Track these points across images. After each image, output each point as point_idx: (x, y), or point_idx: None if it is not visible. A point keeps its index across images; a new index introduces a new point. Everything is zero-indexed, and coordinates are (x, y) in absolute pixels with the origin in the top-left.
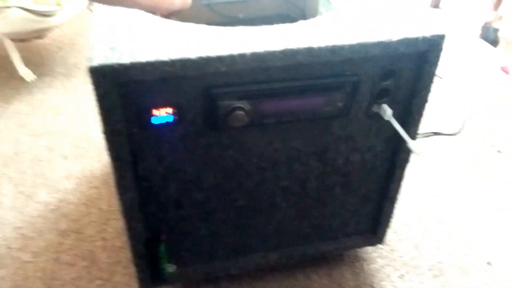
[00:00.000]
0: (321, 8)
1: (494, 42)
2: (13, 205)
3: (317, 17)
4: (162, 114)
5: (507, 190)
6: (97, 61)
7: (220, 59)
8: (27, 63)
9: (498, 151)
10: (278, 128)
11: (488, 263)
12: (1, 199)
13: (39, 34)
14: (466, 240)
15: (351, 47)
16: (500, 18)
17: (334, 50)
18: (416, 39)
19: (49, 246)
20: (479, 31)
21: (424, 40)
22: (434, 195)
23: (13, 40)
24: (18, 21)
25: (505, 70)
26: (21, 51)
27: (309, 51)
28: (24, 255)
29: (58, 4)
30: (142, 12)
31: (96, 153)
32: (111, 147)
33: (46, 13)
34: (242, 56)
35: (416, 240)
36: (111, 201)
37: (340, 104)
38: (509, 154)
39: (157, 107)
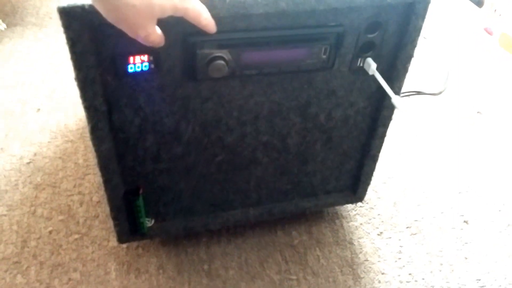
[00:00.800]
0: None
1: (479, 3)
2: None
3: None
4: (138, 62)
5: (484, 151)
6: (66, 1)
7: None
8: None
9: (478, 112)
10: (260, 80)
11: (465, 222)
12: None
13: None
14: (443, 199)
15: None
16: None
17: None
18: None
19: (24, 200)
20: None
21: None
22: (413, 154)
23: None
24: None
25: (488, 31)
26: None
27: None
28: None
29: None
30: None
31: (71, 106)
32: (85, 95)
33: None
34: (221, 0)
35: (395, 199)
36: (87, 156)
37: (323, 57)
38: (489, 115)
39: (133, 54)
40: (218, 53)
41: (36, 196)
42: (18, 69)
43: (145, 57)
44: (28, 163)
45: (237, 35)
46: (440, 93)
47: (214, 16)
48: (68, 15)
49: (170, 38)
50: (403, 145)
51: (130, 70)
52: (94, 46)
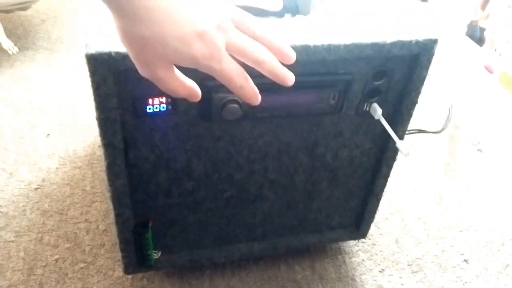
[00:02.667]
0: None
1: (480, 41)
2: None
3: (312, 14)
4: (157, 104)
5: (484, 189)
6: (94, 48)
7: None
8: (9, 35)
9: (478, 150)
10: (270, 121)
11: (465, 261)
12: None
13: (24, 5)
14: (444, 237)
15: (346, 47)
16: (487, 17)
17: (329, 49)
18: (409, 42)
19: (31, 226)
20: (465, 29)
21: (417, 43)
22: (414, 191)
23: None
24: None
25: (489, 69)
26: (2, 22)
27: (305, 49)
28: (7, 234)
29: None
30: None
31: (80, 132)
32: (104, 134)
33: None
34: None
35: (397, 235)
36: (94, 183)
37: (332, 102)
38: (489, 153)
39: (152, 96)
40: (232, 97)
41: (43, 223)
42: (29, 93)
43: (163, 99)
44: (36, 188)
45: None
46: (441, 130)
47: None
48: (95, 61)
49: None
50: (403, 181)
51: (148, 111)
52: (117, 89)
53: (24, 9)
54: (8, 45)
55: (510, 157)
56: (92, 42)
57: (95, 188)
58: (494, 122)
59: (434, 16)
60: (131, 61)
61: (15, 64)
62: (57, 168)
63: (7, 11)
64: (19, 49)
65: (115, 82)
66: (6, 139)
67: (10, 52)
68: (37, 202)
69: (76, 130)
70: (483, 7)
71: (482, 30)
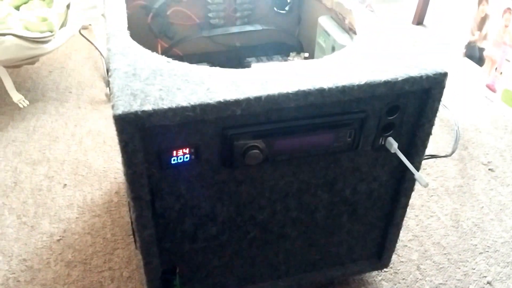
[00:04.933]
0: (319, 39)
1: (480, 61)
2: (17, 236)
3: (325, 57)
4: (180, 155)
5: (499, 208)
6: (121, 109)
7: (237, 102)
8: (18, 88)
9: (489, 169)
10: (290, 163)
11: (488, 283)
12: (5, 230)
13: (32, 60)
14: (465, 260)
15: (360, 87)
16: (485, 37)
17: (344, 90)
18: (420, 77)
19: (57, 278)
20: (464, 50)
21: (428, 78)
22: (430, 216)
23: (5, 66)
24: (12, 48)
25: (491, 88)
26: (10, 76)
27: (321, 92)
28: None
29: (50, 31)
30: (156, 56)
31: (96, 180)
32: (132, 187)
33: (39, 40)
34: (257, 99)
35: (417, 262)
36: (115, 230)
37: (348, 139)
38: (501, 171)
39: (176, 148)
40: (253, 143)
41: (68, 274)
42: (43, 144)
43: (186, 150)
44: (59, 240)
45: (270, 126)
46: (452, 153)
47: (250, 112)
48: (123, 121)
49: (209, 132)
50: (418, 206)
51: (173, 162)
52: (143, 145)
53: (33, 63)
54: (18, 98)
55: None
56: (119, 103)
57: (116, 235)
58: (501, 139)
59: (432, 40)
60: (155, 118)
61: (26, 117)
62: (77, 217)
63: (16, 66)
64: (29, 101)
65: (141, 139)
66: (25, 192)
67: (21, 106)
68: (60, 254)
69: (92, 178)
70: (480, 27)
71: (481, 50)
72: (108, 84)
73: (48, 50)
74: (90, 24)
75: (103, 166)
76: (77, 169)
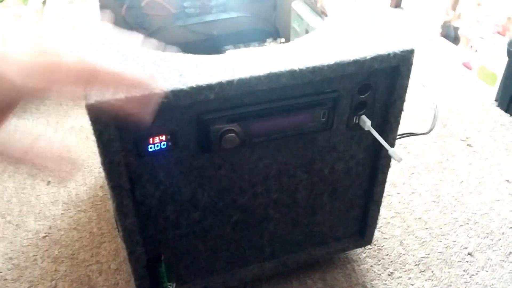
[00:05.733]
0: (294, 23)
1: (455, 40)
2: (3, 235)
3: (295, 39)
4: (157, 142)
5: (477, 182)
6: (93, 98)
7: (209, 87)
8: None
9: (468, 145)
10: (267, 145)
11: (469, 254)
12: None
13: None
14: (446, 233)
15: (330, 67)
16: (459, 16)
17: (314, 71)
18: (388, 55)
19: (44, 274)
20: (440, 30)
21: (395, 55)
22: (412, 192)
23: None
24: None
25: (467, 66)
26: None
27: (292, 73)
28: (21, 286)
29: None
30: (127, 43)
31: (80, 176)
32: (111, 177)
33: None
34: (229, 82)
35: (400, 238)
36: (101, 224)
37: (323, 119)
38: (479, 146)
39: (152, 135)
40: (228, 126)
41: (55, 270)
42: (25, 143)
43: (163, 137)
44: (45, 237)
45: (245, 109)
46: (430, 131)
47: (224, 96)
48: (96, 111)
49: (185, 118)
50: (399, 184)
51: (150, 150)
52: (118, 133)
53: None
54: None
55: (497, 148)
56: (91, 92)
57: (102, 229)
58: (478, 115)
59: (409, 21)
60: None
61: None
62: (62, 214)
63: None
64: None
65: (116, 127)
66: (8, 192)
67: None
68: (46, 250)
69: (76, 174)
70: (454, 7)
71: (456, 29)
72: None
73: None
74: None
75: (87, 161)
76: (60, 166)
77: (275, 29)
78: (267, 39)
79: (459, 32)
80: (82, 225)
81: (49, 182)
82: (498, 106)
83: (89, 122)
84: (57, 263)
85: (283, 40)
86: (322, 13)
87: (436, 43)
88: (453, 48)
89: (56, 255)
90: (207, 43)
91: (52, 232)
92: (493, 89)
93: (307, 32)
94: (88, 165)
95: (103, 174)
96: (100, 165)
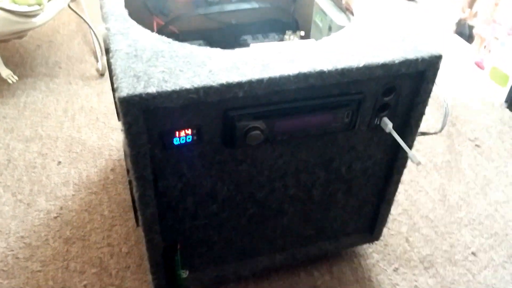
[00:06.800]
0: (316, 18)
1: (469, 38)
2: (14, 214)
3: (323, 39)
4: (183, 135)
5: (484, 182)
6: (125, 91)
7: (239, 85)
8: (6, 63)
9: (476, 145)
10: (289, 143)
11: (473, 253)
12: (1, 208)
13: (20, 35)
14: (451, 232)
15: (358, 70)
16: (475, 15)
17: (343, 73)
18: (416, 60)
19: (56, 255)
20: (454, 27)
21: (423, 61)
22: (419, 191)
23: None
24: None
25: (480, 65)
26: None
27: (321, 74)
28: (33, 265)
29: (39, 4)
30: (157, 36)
31: (91, 157)
32: (136, 168)
33: (28, 14)
34: (259, 81)
35: (406, 235)
36: (112, 207)
37: (346, 120)
38: (487, 147)
39: (179, 129)
40: (254, 124)
41: (67, 250)
42: (34, 121)
43: (189, 131)
44: (56, 217)
45: (271, 108)
46: (441, 130)
47: (252, 94)
48: (128, 103)
49: (211, 113)
50: (408, 182)
51: (175, 143)
52: (146, 126)
53: (21, 37)
54: (7, 74)
55: (505, 149)
56: (122, 85)
57: (113, 212)
58: (487, 115)
59: (423, 16)
60: (159, 101)
61: (16, 93)
62: (73, 195)
63: (3, 41)
64: (18, 77)
65: (145, 120)
66: (19, 170)
67: (10, 81)
68: (58, 231)
69: (86, 156)
70: (471, 5)
71: (471, 27)
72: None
73: (36, 24)
74: None
75: (97, 143)
76: (71, 146)
77: (294, 21)
78: (287, 31)
79: (474, 31)
80: (93, 207)
81: (59, 163)
82: (507, 107)
83: (100, 104)
84: (69, 244)
85: (302, 33)
86: (346, 10)
87: (450, 41)
88: (466, 46)
89: (68, 236)
90: (225, 32)
91: (63, 213)
92: (504, 90)
93: (330, 28)
94: (99, 147)
95: (114, 157)
96: (110, 148)
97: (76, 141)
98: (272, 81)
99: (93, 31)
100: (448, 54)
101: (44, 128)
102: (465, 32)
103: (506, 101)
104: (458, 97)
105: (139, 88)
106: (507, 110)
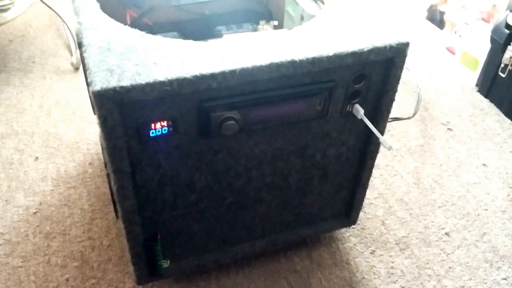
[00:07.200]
0: (288, 7)
1: (441, 24)
2: None
3: (294, 28)
4: (159, 127)
5: (456, 165)
6: (99, 85)
7: (212, 76)
8: None
9: (448, 129)
10: (264, 132)
11: (446, 234)
12: None
13: None
14: (425, 214)
15: (329, 58)
16: (445, 1)
17: (314, 62)
18: (385, 47)
19: (37, 250)
20: (426, 13)
21: (391, 48)
22: (394, 175)
23: None
24: None
25: (451, 50)
26: None
27: (292, 64)
28: (14, 260)
29: None
30: (129, 29)
31: (68, 152)
32: (113, 160)
33: None
34: (232, 72)
35: (382, 218)
36: (91, 201)
37: (319, 108)
38: (458, 130)
39: (154, 121)
40: (228, 114)
41: (48, 245)
42: (9, 117)
43: (164, 123)
44: (35, 213)
45: (245, 98)
46: (414, 115)
47: (225, 84)
48: (102, 97)
49: (186, 105)
50: (383, 166)
51: (151, 135)
52: (122, 119)
53: None
54: None
55: (476, 132)
56: (96, 79)
57: (93, 206)
58: (459, 99)
59: (395, 3)
60: (133, 94)
61: None
62: (52, 190)
63: None
64: None
65: (120, 113)
66: None
67: None
68: (38, 226)
69: (64, 150)
70: None
71: (442, 13)
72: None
73: (8, 19)
74: None
75: (75, 137)
76: (48, 141)
77: (268, 11)
78: (260, 21)
79: (445, 17)
80: (73, 201)
81: (37, 158)
82: (478, 91)
83: (75, 98)
84: (49, 239)
85: (276, 23)
86: None
87: (421, 26)
88: (438, 32)
89: (48, 231)
90: (199, 23)
91: (42, 208)
92: (475, 75)
93: (302, 17)
94: (76, 141)
95: (92, 151)
96: (88, 142)
97: (53, 136)
98: (245, 72)
99: (66, 24)
100: (420, 40)
101: (20, 124)
102: (436, 18)
103: (476, 85)
104: (430, 82)
105: (113, 82)
106: (478, 93)
